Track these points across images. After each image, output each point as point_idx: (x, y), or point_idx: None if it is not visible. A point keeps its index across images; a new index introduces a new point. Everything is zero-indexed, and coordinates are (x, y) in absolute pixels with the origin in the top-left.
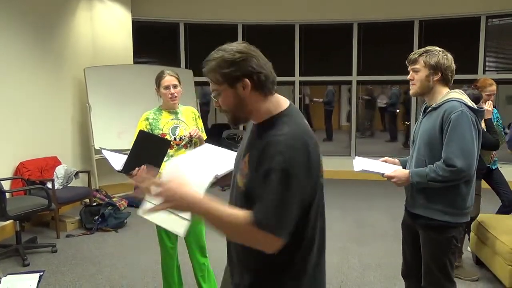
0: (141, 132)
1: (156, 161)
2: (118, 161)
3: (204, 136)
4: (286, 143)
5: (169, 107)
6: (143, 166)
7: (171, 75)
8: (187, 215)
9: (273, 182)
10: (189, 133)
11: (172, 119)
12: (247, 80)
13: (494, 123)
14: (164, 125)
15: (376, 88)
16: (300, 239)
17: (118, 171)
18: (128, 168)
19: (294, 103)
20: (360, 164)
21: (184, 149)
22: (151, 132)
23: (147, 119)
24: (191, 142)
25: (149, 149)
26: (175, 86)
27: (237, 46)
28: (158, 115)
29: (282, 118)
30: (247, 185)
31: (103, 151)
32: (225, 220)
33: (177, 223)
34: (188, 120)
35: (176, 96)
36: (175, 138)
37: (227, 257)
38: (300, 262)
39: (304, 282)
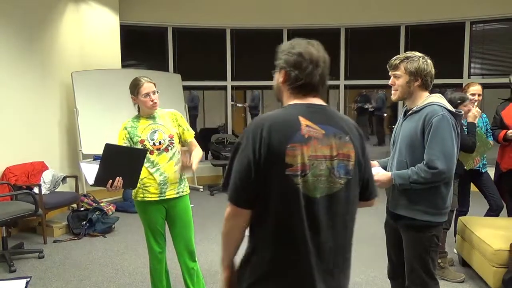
0: (107, 146)
1: (132, 171)
2: (93, 174)
3: (191, 136)
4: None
5: (147, 113)
6: (118, 178)
7: (149, 82)
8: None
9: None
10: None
11: (150, 124)
12: (283, 71)
13: (483, 128)
14: (142, 132)
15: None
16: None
17: (91, 185)
18: (99, 181)
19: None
20: None
21: (165, 153)
22: (118, 144)
23: (125, 128)
24: (172, 145)
25: (122, 161)
26: (154, 93)
27: (300, 46)
28: (136, 122)
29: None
30: None
31: (80, 164)
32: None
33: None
34: (167, 123)
35: (156, 102)
36: (154, 143)
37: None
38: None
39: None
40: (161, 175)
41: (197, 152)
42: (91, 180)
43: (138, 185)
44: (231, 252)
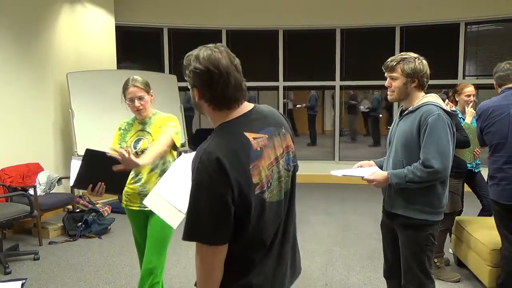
0: (87, 151)
1: (116, 177)
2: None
3: (162, 132)
4: (197, 157)
5: (140, 117)
6: (100, 183)
7: (136, 86)
8: (184, 209)
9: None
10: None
11: (138, 131)
12: (196, 90)
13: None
14: (131, 137)
15: (358, 93)
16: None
17: (71, 186)
18: (79, 184)
19: (278, 108)
20: (339, 171)
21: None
22: (99, 150)
23: (120, 129)
24: None
25: (105, 166)
26: (140, 98)
27: (204, 55)
28: (130, 125)
29: (216, 131)
30: None
31: (72, 160)
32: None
33: (172, 215)
34: (155, 131)
35: (141, 109)
36: (136, 152)
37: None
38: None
39: None
40: (141, 186)
41: (152, 147)
42: (71, 181)
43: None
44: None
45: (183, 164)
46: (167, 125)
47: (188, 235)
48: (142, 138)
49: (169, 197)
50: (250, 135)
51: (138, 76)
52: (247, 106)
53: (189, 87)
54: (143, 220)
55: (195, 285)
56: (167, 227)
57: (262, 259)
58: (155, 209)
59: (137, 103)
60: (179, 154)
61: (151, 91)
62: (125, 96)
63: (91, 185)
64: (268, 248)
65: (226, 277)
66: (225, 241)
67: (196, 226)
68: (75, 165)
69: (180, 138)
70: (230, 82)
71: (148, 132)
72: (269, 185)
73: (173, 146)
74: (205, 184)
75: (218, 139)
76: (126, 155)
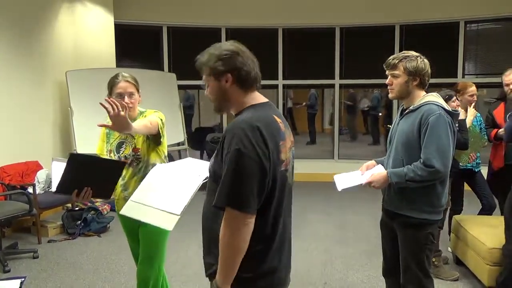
0: (72, 156)
1: (104, 182)
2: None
3: (144, 121)
4: (235, 127)
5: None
6: (86, 188)
7: (127, 81)
8: (177, 211)
9: (228, 162)
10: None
11: (121, 133)
12: (230, 75)
13: (477, 127)
14: (115, 140)
15: (358, 91)
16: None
17: (53, 193)
18: (62, 190)
19: (278, 107)
20: (341, 182)
21: (131, 168)
22: (85, 154)
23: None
24: (139, 160)
25: (92, 170)
26: (130, 95)
27: (227, 45)
28: None
29: (247, 109)
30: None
31: (53, 162)
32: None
33: (165, 218)
34: (139, 134)
35: (130, 107)
36: (119, 157)
37: None
38: None
39: None
40: (125, 190)
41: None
42: (53, 187)
43: (112, 196)
44: (237, 266)
45: (160, 172)
46: (150, 117)
47: (225, 200)
48: (124, 142)
49: (154, 202)
50: (277, 118)
51: (126, 72)
52: (264, 98)
53: (204, 82)
54: (135, 226)
55: (208, 276)
56: (160, 234)
57: (281, 240)
58: (137, 217)
59: (127, 99)
60: (171, 158)
61: (139, 90)
62: (112, 92)
63: (76, 190)
64: (283, 229)
65: (250, 260)
66: (255, 210)
67: (235, 192)
68: (57, 168)
69: (165, 129)
70: (256, 64)
71: (131, 136)
72: (289, 167)
73: (158, 139)
74: (246, 150)
75: (253, 113)
76: (122, 113)
